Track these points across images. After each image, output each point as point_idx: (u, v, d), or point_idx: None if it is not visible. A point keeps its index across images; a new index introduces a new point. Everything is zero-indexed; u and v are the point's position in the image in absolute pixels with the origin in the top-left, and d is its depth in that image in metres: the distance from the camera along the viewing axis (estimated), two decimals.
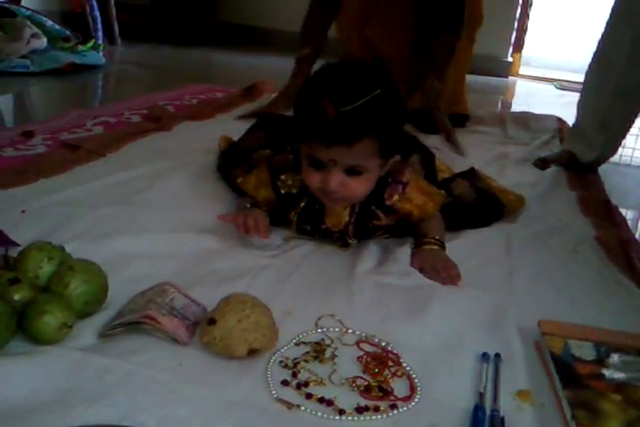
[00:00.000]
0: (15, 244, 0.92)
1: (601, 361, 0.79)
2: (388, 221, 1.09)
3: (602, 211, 1.39)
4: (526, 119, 2.30)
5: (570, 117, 2.55)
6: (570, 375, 0.75)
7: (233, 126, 1.79)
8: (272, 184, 1.09)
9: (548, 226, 1.27)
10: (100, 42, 3.01)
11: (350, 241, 1.10)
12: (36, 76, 2.44)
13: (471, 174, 1.32)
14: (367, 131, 0.93)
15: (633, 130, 2.69)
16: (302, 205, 1.09)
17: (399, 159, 1.05)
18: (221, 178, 1.36)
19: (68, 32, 2.81)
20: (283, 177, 1.09)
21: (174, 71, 2.97)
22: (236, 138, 1.47)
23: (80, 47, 2.74)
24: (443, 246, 1.08)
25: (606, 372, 0.77)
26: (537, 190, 1.48)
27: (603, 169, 1.77)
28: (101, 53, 2.83)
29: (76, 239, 0.98)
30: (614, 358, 0.80)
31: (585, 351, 0.80)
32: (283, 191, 1.09)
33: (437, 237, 1.08)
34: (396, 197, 1.07)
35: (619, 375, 0.76)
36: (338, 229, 1.09)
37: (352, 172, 0.97)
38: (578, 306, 0.97)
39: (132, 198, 1.21)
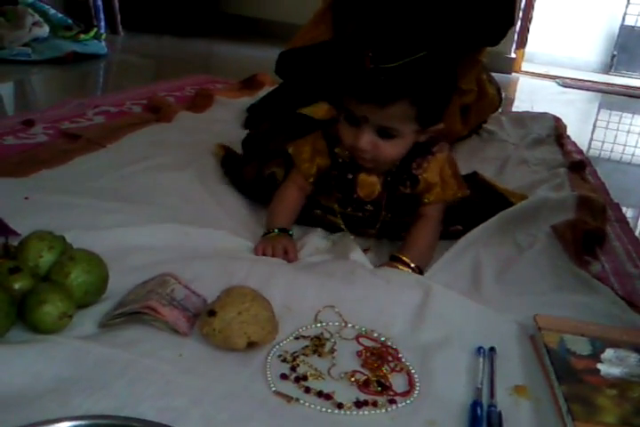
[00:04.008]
0: (15, 233, 0.92)
1: (596, 356, 0.79)
2: (411, 192, 1.08)
3: (596, 209, 1.36)
4: (522, 119, 2.27)
5: (571, 115, 2.56)
6: (565, 370, 0.76)
7: (232, 116, 1.79)
8: (329, 152, 1.09)
9: (527, 222, 1.25)
10: (103, 31, 3.00)
11: (383, 213, 1.09)
12: (37, 64, 2.43)
13: (474, 178, 1.29)
14: (403, 94, 0.92)
15: (634, 128, 2.71)
16: (335, 173, 1.08)
17: (441, 129, 1.02)
18: (228, 181, 1.33)
19: (70, 21, 2.80)
20: (341, 146, 1.07)
21: (176, 62, 2.96)
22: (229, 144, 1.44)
23: (82, 36, 2.73)
24: (415, 271, 1.01)
25: (601, 367, 0.77)
26: (537, 191, 1.46)
27: (604, 168, 1.77)
28: (103, 43, 2.82)
29: (77, 229, 0.97)
30: (609, 353, 0.80)
31: (580, 346, 0.81)
32: (340, 160, 1.08)
33: (414, 265, 1.01)
34: (424, 166, 1.06)
35: (614, 370, 0.77)
36: (370, 199, 1.08)
37: (384, 133, 0.97)
38: (539, 298, 0.98)
39: (133, 191, 1.20)
